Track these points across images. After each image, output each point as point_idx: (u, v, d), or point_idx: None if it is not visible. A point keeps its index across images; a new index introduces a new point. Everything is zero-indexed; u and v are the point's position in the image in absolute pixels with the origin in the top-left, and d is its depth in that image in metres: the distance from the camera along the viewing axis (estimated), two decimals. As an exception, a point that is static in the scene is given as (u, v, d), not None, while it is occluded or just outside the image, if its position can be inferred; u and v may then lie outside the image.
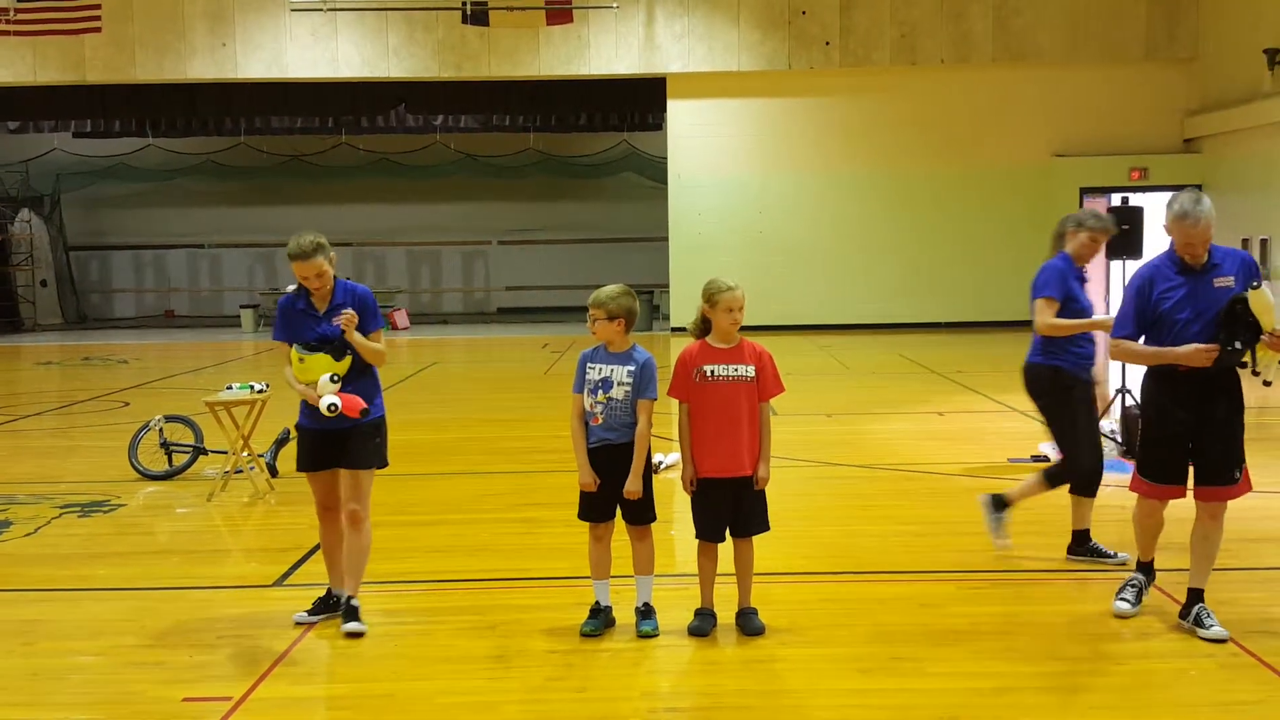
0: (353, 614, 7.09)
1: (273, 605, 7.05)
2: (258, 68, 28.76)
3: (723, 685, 6.26)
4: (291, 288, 7.28)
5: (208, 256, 38.30)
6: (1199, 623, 6.76)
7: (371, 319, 7.20)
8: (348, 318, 6.99)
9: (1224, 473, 6.77)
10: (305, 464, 7.27)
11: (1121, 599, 7.10)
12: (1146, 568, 7.23)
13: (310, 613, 7.19)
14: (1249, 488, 6.87)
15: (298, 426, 7.32)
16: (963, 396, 17.07)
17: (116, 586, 8.29)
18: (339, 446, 7.12)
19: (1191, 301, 6.71)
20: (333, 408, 6.84)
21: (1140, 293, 6.86)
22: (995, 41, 28.30)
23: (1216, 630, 6.68)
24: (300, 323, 7.15)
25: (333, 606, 7.18)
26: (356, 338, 7.06)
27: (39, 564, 8.88)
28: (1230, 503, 6.84)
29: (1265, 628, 6.88)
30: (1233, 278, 6.68)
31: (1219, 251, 6.79)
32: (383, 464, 7.33)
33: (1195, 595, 6.89)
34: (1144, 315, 6.84)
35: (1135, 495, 7.07)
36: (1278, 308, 6.48)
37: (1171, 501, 6.97)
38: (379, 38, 28.60)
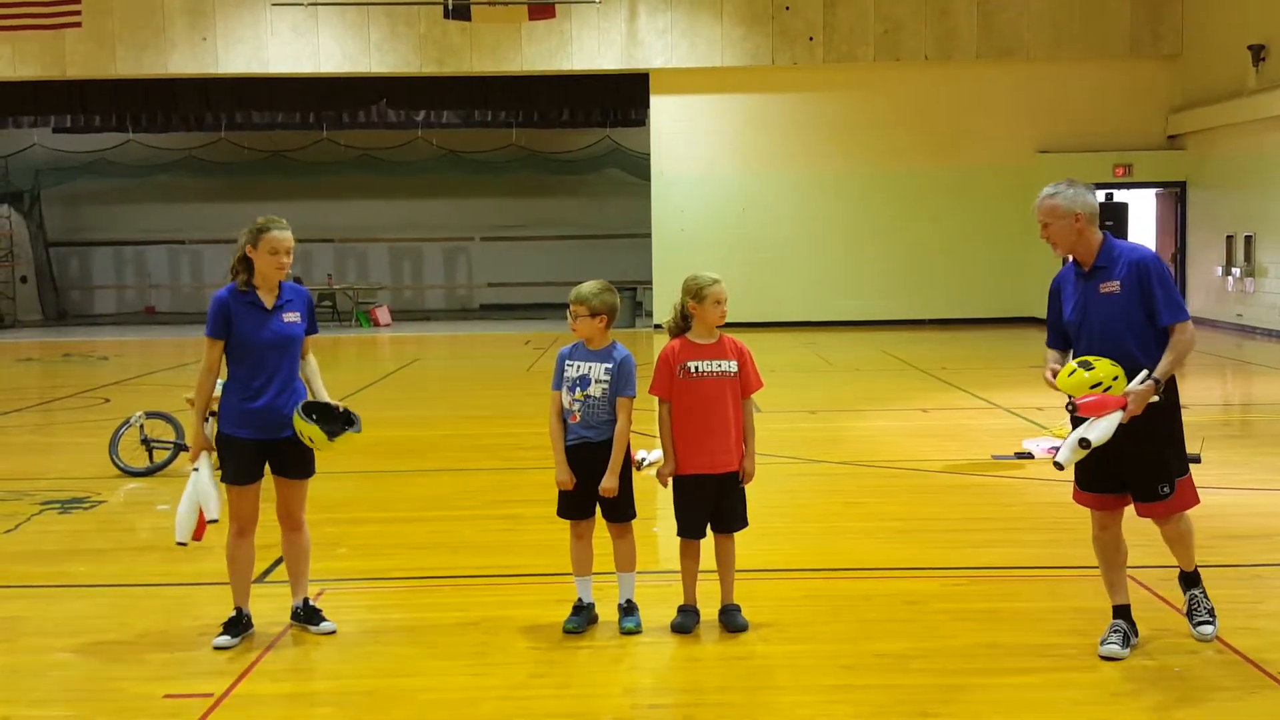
0: (316, 614, 7.04)
1: (254, 602, 7.00)
2: (238, 63, 28.66)
3: (705, 682, 6.25)
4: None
5: (188, 252, 38.18)
6: (1191, 613, 6.69)
7: (314, 321, 7.13)
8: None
9: (1149, 489, 6.38)
10: (240, 477, 6.81)
11: (1108, 643, 6.46)
12: (1122, 613, 6.57)
13: (231, 636, 6.79)
14: (1186, 502, 6.46)
15: (225, 435, 6.84)
16: (946, 393, 17.08)
17: (97, 583, 8.25)
18: (270, 458, 6.88)
19: (1081, 308, 6.46)
20: (206, 515, 6.74)
21: (1051, 300, 6.71)
22: (979, 38, 28.33)
23: (1203, 630, 6.61)
24: (247, 317, 6.79)
25: (246, 624, 6.92)
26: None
27: (19, 561, 8.85)
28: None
29: (1249, 624, 6.87)
30: (1118, 283, 6.32)
31: (1116, 250, 6.44)
32: (315, 468, 7.15)
33: (1187, 578, 6.75)
34: (1056, 323, 6.66)
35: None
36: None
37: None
38: (360, 33, 28.52)
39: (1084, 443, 6.11)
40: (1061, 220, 6.40)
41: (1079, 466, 6.55)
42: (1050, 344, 6.71)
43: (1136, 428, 6.22)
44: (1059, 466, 6.27)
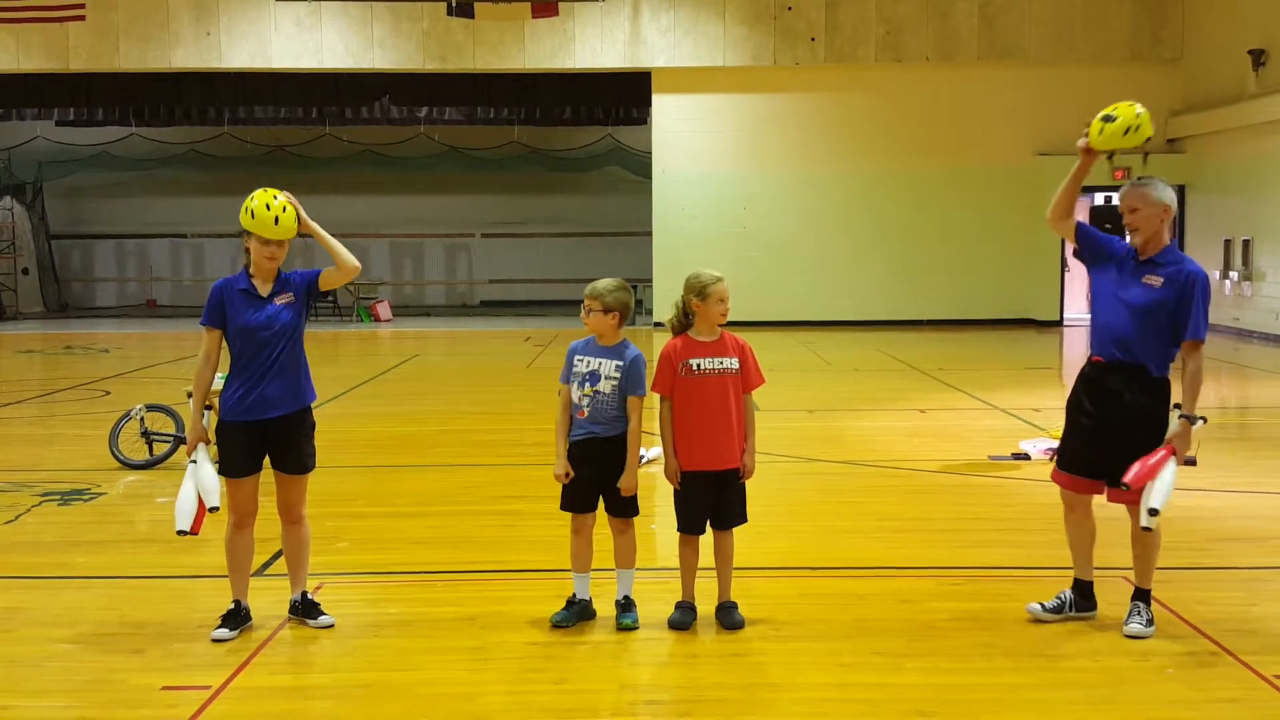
0: (314, 608, 7.08)
1: (252, 595, 7.02)
2: (242, 58, 28.69)
3: (702, 678, 6.28)
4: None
5: (190, 246, 38.20)
6: (1127, 618, 6.77)
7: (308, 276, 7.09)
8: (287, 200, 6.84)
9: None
10: (236, 469, 6.84)
11: (1039, 603, 6.98)
12: (1080, 589, 6.98)
13: (229, 629, 6.81)
14: None
15: (222, 423, 6.87)
16: (944, 394, 17.11)
17: (96, 575, 8.28)
18: (268, 447, 6.90)
19: (1117, 282, 6.72)
20: (206, 503, 6.71)
21: (1102, 240, 6.99)
22: (980, 40, 28.35)
23: (1133, 627, 6.69)
24: (241, 305, 6.81)
25: (244, 617, 6.94)
26: (315, 228, 6.94)
27: (18, 552, 8.87)
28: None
29: (1243, 626, 6.90)
30: (1163, 280, 6.57)
31: (1176, 255, 6.68)
32: (315, 463, 7.16)
33: (1136, 594, 6.86)
34: (1091, 241, 6.99)
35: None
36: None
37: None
38: (364, 29, 28.55)
39: (1153, 511, 6.33)
40: (1153, 208, 6.65)
41: (1064, 444, 6.96)
42: (1068, 212, 7.03)
43: (1134, 418, 6.53)
44: (1146, 530, 6.47)
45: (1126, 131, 6.59)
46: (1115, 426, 6.60)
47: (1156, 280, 6.57)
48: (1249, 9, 25.41)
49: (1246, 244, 25.57)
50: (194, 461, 6.83)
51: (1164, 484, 6.33)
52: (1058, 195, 6.98)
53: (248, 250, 6.90)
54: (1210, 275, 26.34)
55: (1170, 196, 6.70)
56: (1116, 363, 6.64)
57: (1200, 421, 6.44)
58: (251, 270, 6.91)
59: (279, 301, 6.87)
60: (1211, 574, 8.06)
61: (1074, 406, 6.88)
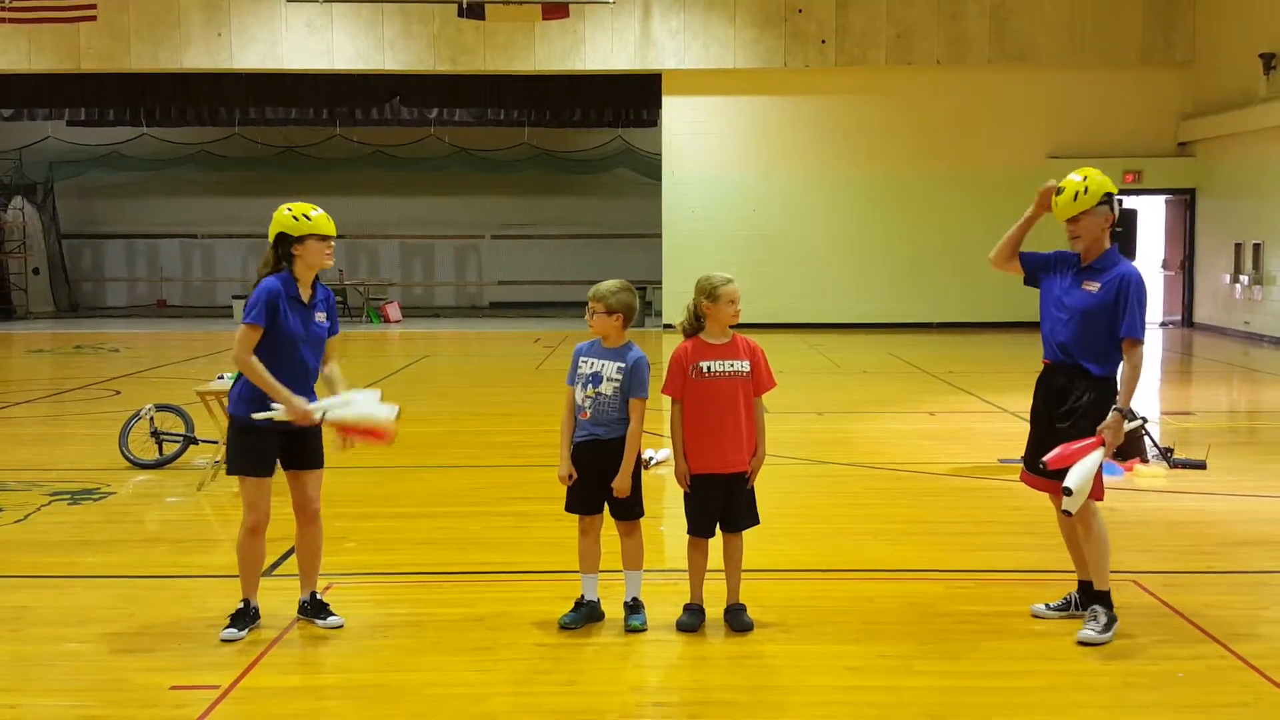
0: (323, 608, 7.09)
1: (261, 595, 7.03)
2: (253, 58, 28.72)
3: (710, 680, 6.28)
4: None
5: (200, 247, 38.23)
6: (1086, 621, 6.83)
7: (336, 321, 7.21)
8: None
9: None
10: (264, 467, 6.86)
11: (1043, 604, 7.21)
12: (1085, 590, 7.05)
13: (238, 628, 6.81)
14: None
15: (250, 423, 6.74)
16: (954, 396, 17.09)
17: (105, 574, 8.29)
18: (284, 452, 6.94)
19: (1061, 291, 6.97)
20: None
21: (1045, 256, 7.18)
22: (991, 43, 28.31)
23: (1085, 633, 6.69)
24: (291, 310, 6.82)
25: (253, 617, 6.93)
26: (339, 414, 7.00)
27: (28, 550, 8.89)
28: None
29: (1252, 630, 6.89)
30: (1100, 285, 6.80)
31: (1113, 260, 6.88)
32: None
33: (1094, 595, 6.88)
34: (1035, 263, 7.21)
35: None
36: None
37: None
38: (374, 30, 28.58)
39: (1066, 490, 6.51)
40: (1094, 217, 6.86)
41: (1026, 445, 7.13)
42: (1014, 251, 7.34)
43: (1077, 416, 6.74)
44: (1066, 513, 6.67)
45: (1076, 196, 6.82)
46: (1060, 425, 6.80)
47: (1094, 285, 6.82)
48: (1260, 13, 25.37)
49: (1257, 248, 25.53)
50: (324, 415, 6.83)
51: (1084, 468, 6.51)
52: (1004, 240, 7.36)
53: (281, 258, 6.87)
54: (1220, 279, 26.53)
55: (1112, 206, 6.93)
56: (1060, 364, 6.90)
57: (1140, 421, 6.60)
58: (298, 275, 6.89)
59: (318, 317, 6.99)
60: (1220, 578, 8.05)
61: (1032, 408, 7.13)
